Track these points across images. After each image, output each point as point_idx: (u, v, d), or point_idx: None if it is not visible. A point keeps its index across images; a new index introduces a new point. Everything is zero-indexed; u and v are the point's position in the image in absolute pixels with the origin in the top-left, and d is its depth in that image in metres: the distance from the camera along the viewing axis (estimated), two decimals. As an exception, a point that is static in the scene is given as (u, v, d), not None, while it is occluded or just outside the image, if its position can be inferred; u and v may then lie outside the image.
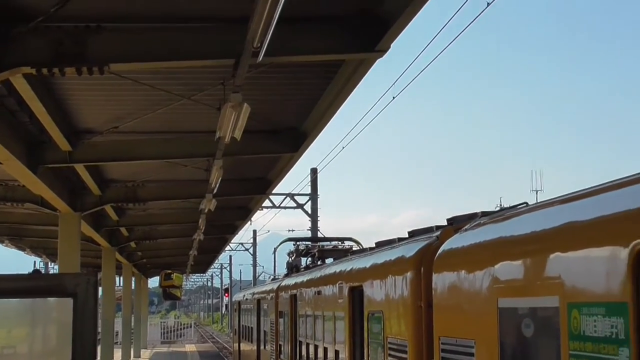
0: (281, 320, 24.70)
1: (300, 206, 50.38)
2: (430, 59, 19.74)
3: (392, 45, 13.37)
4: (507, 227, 9.09)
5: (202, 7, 13.41)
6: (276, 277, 38.49)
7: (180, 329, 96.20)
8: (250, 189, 31.79)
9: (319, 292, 18.26)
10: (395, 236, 15.05)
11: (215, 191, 25.16)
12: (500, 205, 54.62)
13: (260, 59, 12.21)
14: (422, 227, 14.53)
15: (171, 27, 13.62)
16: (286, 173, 27.97)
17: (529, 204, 10.33)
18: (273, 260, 77.60)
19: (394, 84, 23.08)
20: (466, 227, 10.53)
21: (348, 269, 15.86)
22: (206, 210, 28.85)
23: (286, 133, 21.75)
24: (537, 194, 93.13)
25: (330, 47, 13.73)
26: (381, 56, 13.65)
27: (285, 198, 50.86)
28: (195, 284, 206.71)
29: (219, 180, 22.76)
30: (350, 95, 17.37)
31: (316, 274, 19.73)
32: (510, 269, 8.24)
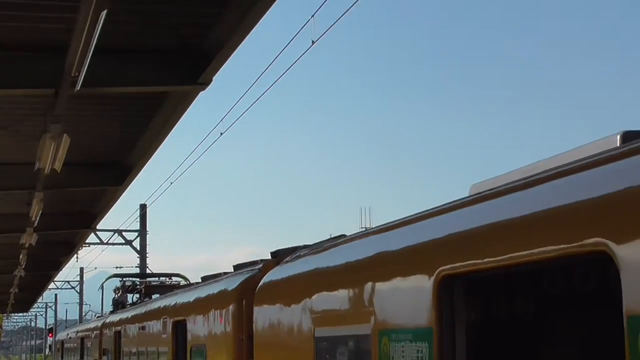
0: (105, 357, 24.35)
1: (128, 242, 49.47)
2: (258, 94, 20.01)
3: (214, 78, 13.33)
4: (324, 259, 9.25)
5: (21, 36, 12.88)
6: (102, 314, 37.93)
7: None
8: (74, 223, 30.45)
9: (143, 328, 18.12)
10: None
11: (36, 225, 24.19)
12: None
13: (78, 88, 11.84)
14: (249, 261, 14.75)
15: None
16: (111, 207, 27.28)
17: (347, 235, 10.61)
18: (101, 297, 76.03)
19: (222, 119, 23.14)
20: (287, 259, 10.71)
21: (172, 303, 15.83)
22: (27, 245, 27.54)
23: (110, 166, 21.18)
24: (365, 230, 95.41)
25: (152, 79, 13.58)
26: (203, 89, 13.59)
27: (113, 234, 49.82)
28: (18, 324, 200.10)
29: (39, 213, 21.93)
30: (174, 128, 17.21)
31: (141, 309, 19.56)
32: (326, 299, 8.39)
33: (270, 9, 10.42)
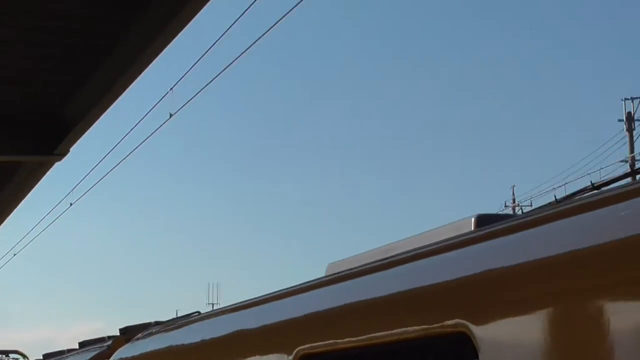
0: None
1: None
2: (113, 164, 19.99)
3: (71, 149, 13.07)
4: (178, 336, 9.19)
5: None
6: None
7: None
8: None
9: None
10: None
11: None
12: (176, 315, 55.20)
13: None
14: (94, 337, 14.53)
15: None
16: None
17: (201, 312, 10.64)
18: None
19: (72, 190, 22.96)
20: (138, 336, 10.65)
21: None
22: None
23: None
24: (212, 306, 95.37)
25: (6, 149, 13.12)
26: (60, 159, 13.29)
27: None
28: None
29: None
30: (26, 197, 16.80)
31: None
32: None
33: (135, 81, 10.37)
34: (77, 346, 16.25)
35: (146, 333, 10.53)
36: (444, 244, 5.89)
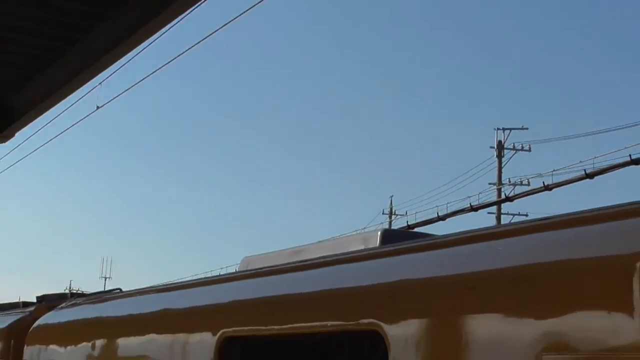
0: None
1: None
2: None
3: (16, 134, 12.67)
4: (106, 308, 9.29)
5: None
6: None
7: None
8: None
9: None
10: None
11: None
12: (70, 288, 54.31)
13: None
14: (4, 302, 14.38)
15: None
16: None
17: (123, 290, 10.74)
18: None
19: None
20: (62, 305, 10.58)
21: None
22: None
23: None
24: (105, 280, 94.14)
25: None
26: (4, 142, 12.96)
27: None
28: None
29: None
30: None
31: None
32: (106, 345, 8.38)
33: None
34: None
35: (70, 303, 10.51)
36: (363, 253, 6.24)
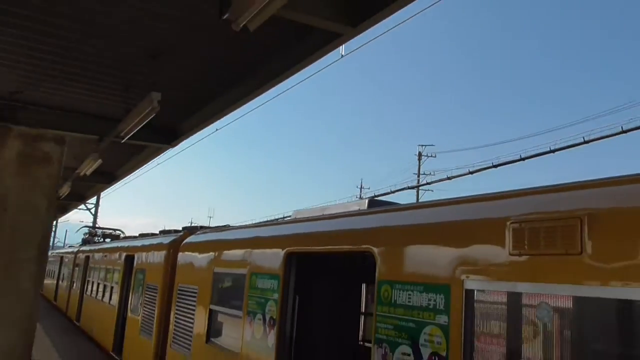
0: (76, 269, 22.74)
1: (88, 209, 47.10)
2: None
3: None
4: (219, 235, 9.09)
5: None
6: (70, 246, 35.67)
7: None
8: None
9: (105, 256, 17.09)
10: (135, 232, 14.44)
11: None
12: (191, 222, 53.94)
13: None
14: (154, 230, 14.33)
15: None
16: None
17: (230, 225, 10.74)
18: (64, 236, 71.30)
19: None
20: (197, 232, 10.41)
21: (125, 245, 15.05)
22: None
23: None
24: (209, 219, 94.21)
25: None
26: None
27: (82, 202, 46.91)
28: None
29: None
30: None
31: (104, 246, 18.31)
32: (223, 254, 8.23)
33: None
34: (146, 231, 16.04)
35: (201, 231, 10.29)
36: (361, 211, 6.00)
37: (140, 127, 7.76)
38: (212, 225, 11.90)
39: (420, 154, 42.82)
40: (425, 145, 44.22)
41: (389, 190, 31.12)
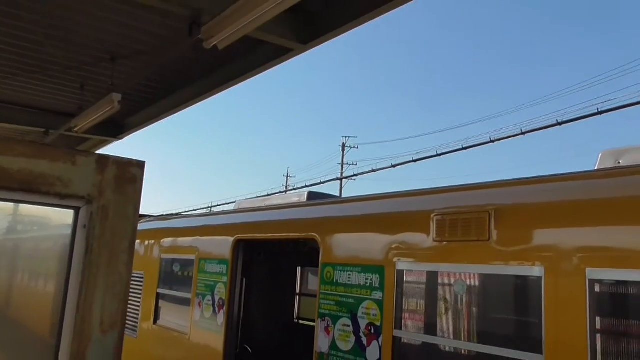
0: None
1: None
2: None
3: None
4: (165, 224, 9.02)
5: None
6: None
7: None
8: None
9: None
10: None
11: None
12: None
13: None
14: None
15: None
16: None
17: (176, 214, 10.52)
18: None
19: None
20: (142, 220, 9.83)
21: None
22: None
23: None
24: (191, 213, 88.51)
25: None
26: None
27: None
28: None
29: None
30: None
31: None
32: (171, 241, 8.20)
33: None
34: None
35: (145, 220, 9.74)
36: (306, 202, 6.26)
37: (93, 123, 7.82)
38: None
39: (344, 145, 43.69)
40: (349, 137, 45.05)
41: (319, 181, 31.56)
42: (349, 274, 4.84)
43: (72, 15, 5.75)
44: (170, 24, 5.47)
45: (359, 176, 30.49)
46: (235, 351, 6.74)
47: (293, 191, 8.40)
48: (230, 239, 6.67)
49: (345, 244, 5.00)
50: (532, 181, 4.00)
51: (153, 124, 9.82)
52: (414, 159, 22.83)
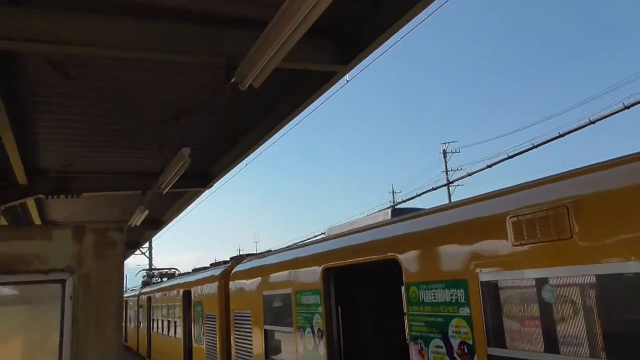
0: (140, 309, 23.36)
1: (143, 253, 47.95)
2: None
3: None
4: (263, 261, 9.20)
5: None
6: (132, 289, 36.42)
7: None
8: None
9: (164, 294, 17.44)
10: (188, 268, 14.48)
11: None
12: (239, 251, 52.97)
13: None
14: (205, 264, 14.58)
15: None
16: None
17: (272, 250, 10.85)
18: (125, 281, 72.43)
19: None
20: (244, 261, 10.57)
21: (182, 281, 15.25)
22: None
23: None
24: (256, 245, 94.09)
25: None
26: None
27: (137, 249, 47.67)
28: None
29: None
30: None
31: (162, 285, 18.65)
32: (269, 278, 8.38)
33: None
34: (195, 267, 16.18)
35: (247, 260, 10.36)
36: (384, 221, 6.04)
37: (177, 179, 8.08)
38: (258, 250, 12.01)
39: (445, 152, 42.31)
40: (448, 143, 43.66)
41: (416, 194, 30.92)
42: (434, 292, 4.55)
43: (134, 85, 6.01)
44: (214, 73, 5.53)
45: (464, 179, 29.20)
46: None
47: (381, 211, 8.20)
48: (319, 269, 6.63)
49: (425, 261, 4.73)
50: (617, 162, 3.43)
51: (234, 168, 10.00)
52: (509, 155, 21.56)
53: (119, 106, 6.67)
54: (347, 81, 9.78)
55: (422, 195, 29.72)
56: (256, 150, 8.82)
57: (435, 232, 4.77)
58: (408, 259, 4.93)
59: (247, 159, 9.37)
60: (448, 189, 37.09)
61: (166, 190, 9.01)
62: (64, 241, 1.56)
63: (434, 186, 28.90)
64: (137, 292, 25.94)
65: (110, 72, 5.87)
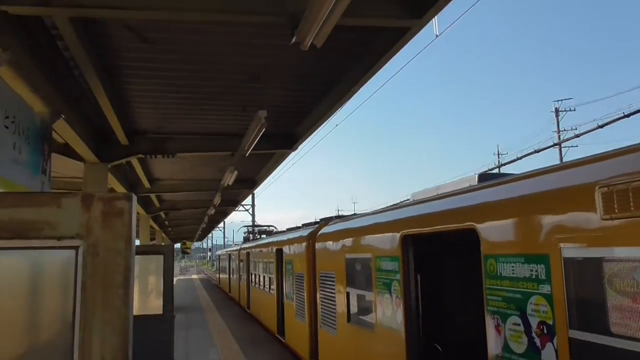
0: (241, 263, 24.37)
1: (246, 210, 50.04)
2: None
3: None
4: (346, 224, 9.15)
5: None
6: (235, 244, 38.34)
7: (189, 268, 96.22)
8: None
9: (261, 251, 18.01)
10: (291, 225, 14.83)
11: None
12: (338, 211, 53.92)
13: None
14: (307, 221, 14.79)
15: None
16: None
17: (357, 213, 10.77)
18: (232, 236, 76.69)
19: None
20: (330, 222, 10.59)
21: (275, 240, 15.63)
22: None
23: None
24: (354, 205, 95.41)
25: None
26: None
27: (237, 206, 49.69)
28: (194, 245, 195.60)
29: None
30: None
31: (260, 242, 19.27)
32: (351, 241, 8.33)
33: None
34: (300, 224, 16.83)
35: (333, 222, 10.37)
36: (467, 188, 5.70)
37: (256, 140, 8.11)
38: (357, 210, 12.02)
39: (557, 110, 39.31)
40: (562, 100, 40.36)
41: (516, 157, 29.01)
42: (512, 266, 4.23)
43: (213, 47, 6.00)
44: (281, 33, 5.34)
45: (576, 139, 26.97)
46: (419, 349, 6.38)
47: (468, 176, 7.81)
48: (397, 235, 6.50)
49: (506, 232, 4.38)
50: None
51: (318, 130, 9.90)
52: (625, 113, 19.61)
53: (197, 69, 6.76)
54: (437, 36, 9.24)
55: (528, 157, 27.90)
56: (339, 111, 8.53)
57: (516, 202, 4.40)
58: (486, 230, 4.63)
59: (338, 120, 9.19)
60: (560, 150, 34.48)
61: (249, 152, 9.09)
62: (73, 209, 1.52)
63: (535, 148, 26.98)
64: (238, 247, 27.13)
65: (183, 36, 5.88)
